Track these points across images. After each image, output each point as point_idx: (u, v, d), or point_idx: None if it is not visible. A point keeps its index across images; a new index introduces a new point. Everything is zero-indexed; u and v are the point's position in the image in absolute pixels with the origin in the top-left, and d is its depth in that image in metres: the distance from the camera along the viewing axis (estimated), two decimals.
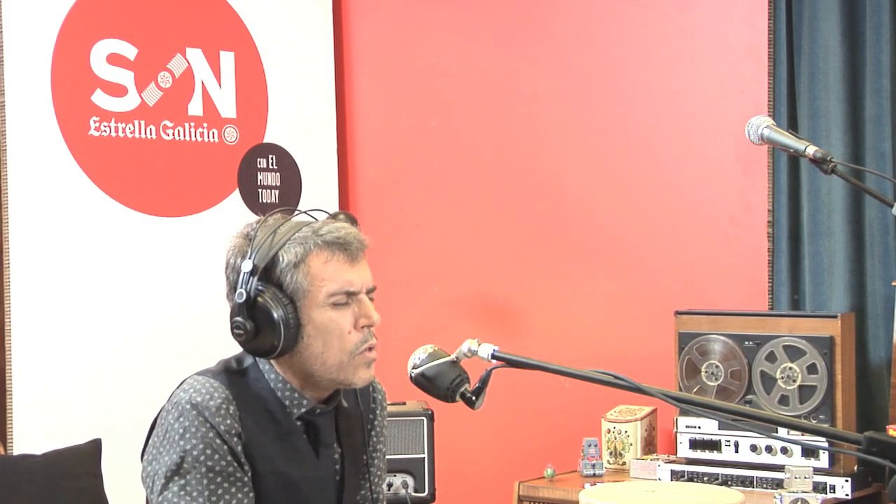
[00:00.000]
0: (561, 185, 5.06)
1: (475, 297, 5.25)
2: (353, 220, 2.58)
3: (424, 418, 4.19)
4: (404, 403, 4.27)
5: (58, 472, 3.97)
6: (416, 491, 4.12)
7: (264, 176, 5.31)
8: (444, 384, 2.24)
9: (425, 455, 4.16)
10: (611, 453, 4.57)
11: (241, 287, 2.41)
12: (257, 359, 2.48)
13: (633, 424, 4.56)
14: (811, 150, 2.84)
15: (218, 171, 5.15)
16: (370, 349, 2.46)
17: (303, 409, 2.48)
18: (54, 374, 4.60)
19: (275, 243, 2.42)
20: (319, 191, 5.43)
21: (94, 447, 4.08)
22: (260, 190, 5.28)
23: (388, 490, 4.09)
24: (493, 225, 5.23)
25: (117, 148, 4.83)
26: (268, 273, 2.41)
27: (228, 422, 2.39)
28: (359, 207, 5.54)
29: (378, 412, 2.69)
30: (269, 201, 5.25)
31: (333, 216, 2.56)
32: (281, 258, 2.41)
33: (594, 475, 4.48)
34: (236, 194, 5.19)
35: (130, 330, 4.81)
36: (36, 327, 4.57)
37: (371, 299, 2.48)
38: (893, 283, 4.15)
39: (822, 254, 4.35)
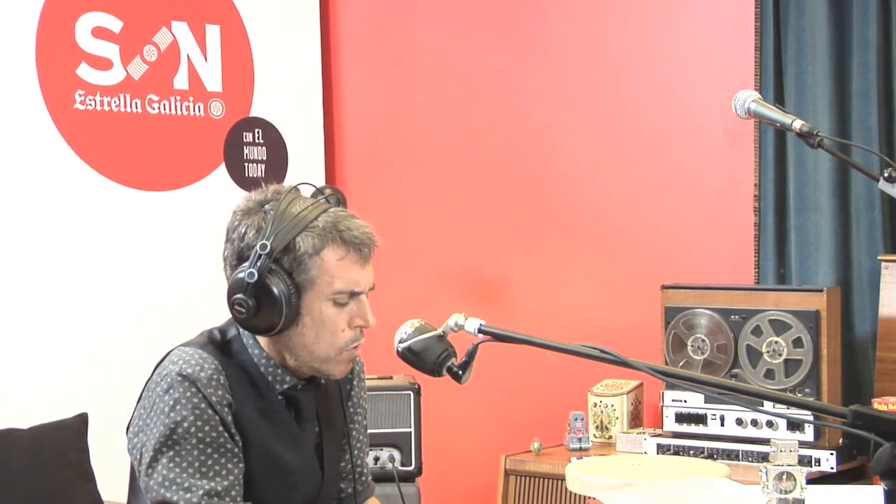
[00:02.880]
0: (548, 160, 5.06)
1: (462, 272, 5.25)
2: (340, 196, 2.58)
3: (411, 392, 4.19)
4: (391, 378, 4.28)
5: (44, 447, 3.97)
6: (402, 465, 4.13)
7: (250, 150, 5.30)
8: (430, 358, 2.24)
9: (412, 429, 4.17)
10: (597, 427, 4.58)
11: (252, 266, 2.38)
12: (242, 332, 2.48)
13: (620, 398, 4.57)
14: (798, 124, 2.84)
15: (204, 146, 5.14)
16: (356, 349, 2.48)
17: (285, 386, 2.49)
18: (41, 348, 4.60)
19: (293, 227, 2.40)
20: (306, 165, 5.42)
21: (81, 421, 4.08)
22: (246, 164, 5.27)
23: (375, 464, 4.10)
24: (480, 199, 5.22)
25: (102, 122, 4.81)
26: (281, 256, 2.40)
27: (220, 392, 2.39)
28: (345, 182, 5.53)
29: (356, 383, 2.70)
30: (255, 175, 5.24)
31: (325, 195, 2.55)
32: (298, 245, 2.39)
33: (580, 449, 4.49)
34: (222, 168, 5.18)
35: (116, 304, 4.80)
36: (21, 302, 4.56)
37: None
38: (879, 258, 4.16)
39: (809, 228, 4.35)
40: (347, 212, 2.50)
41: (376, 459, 4.09)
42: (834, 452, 3.94)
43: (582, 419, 4.55)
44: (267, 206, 2.44)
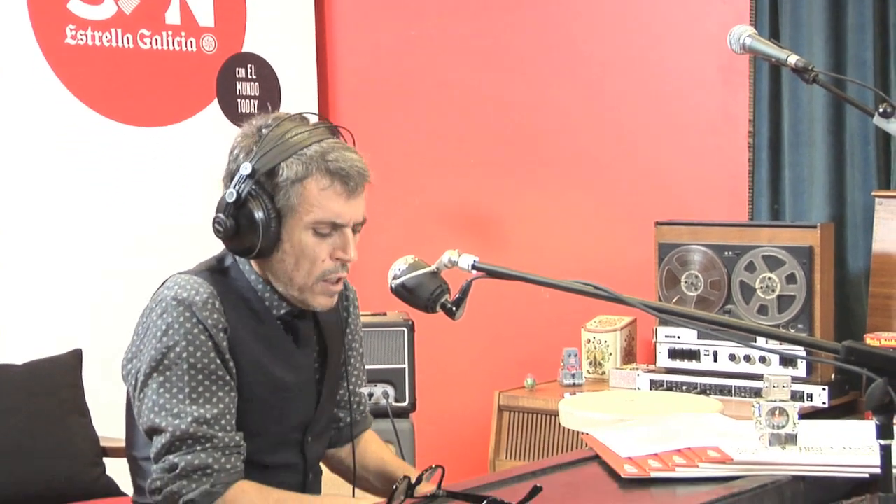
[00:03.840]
0: (542, 96, 5.04)
1: (455, 209, 5.25)
2: (335, 131, 2.57)
3: (405, 329, 4.20)
4: (385, 314, 4.28)
5: (38, 383, 3.97)
6: (396, 401, 4.14)
7: (243, 86, 5.27)
8: (424, 295, 2.24)
9: (406, 365, 4.18)
10: (590, 363, 4.60)
11: (234, 186, 2.39)
12: (238, 259, 2.49)
13: (613, 335, 4.58)
14: (793, 59, 2.83)
15: (196, 81, 5.11)
16: (336, 281, 2.47)
17: (282, 311, 2.49)
18: (35, 284, 4.60)
19: (281, 152, 2.40)
20: (299, 101, 5.39)
21: (75, 357, 4.09)
22: (239, 100, 5.24)
23: (370, 400, 4.11)
24: (474, 136, 5.21)
25: (94, 57, 4.78)
26: (265, 180, 2.40)
27: (216, 316, 2.39)
28: (339, 118, 5.51)
29: (351, 310, 2.71)
30: (248, 111, 5.21)
31: (335, 131, 2.53)
32: (281, 171, 2.39)
33: (574, 385, 4.51)
34: (215, 104, 5.16)
35: (109, 240, 4.80)
36: (15, 238, 4.55)
37: (356, 231, 2.48)
38: (873, 193, 4.16)
39: (803, 164, 4.35)
40: (343, 143, 2.49)
41: (370, 395, 4.11)
42: (826, 388, 3.95)
43: (575, 355, 4.57)
44: (264, 130, 2.44)
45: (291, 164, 2.40)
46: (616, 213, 4.86)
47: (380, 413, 4.04)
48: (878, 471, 1.80)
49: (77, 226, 4.72)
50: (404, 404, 4.16)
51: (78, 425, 3.99)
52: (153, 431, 2.39)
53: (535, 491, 1.91)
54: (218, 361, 2.39)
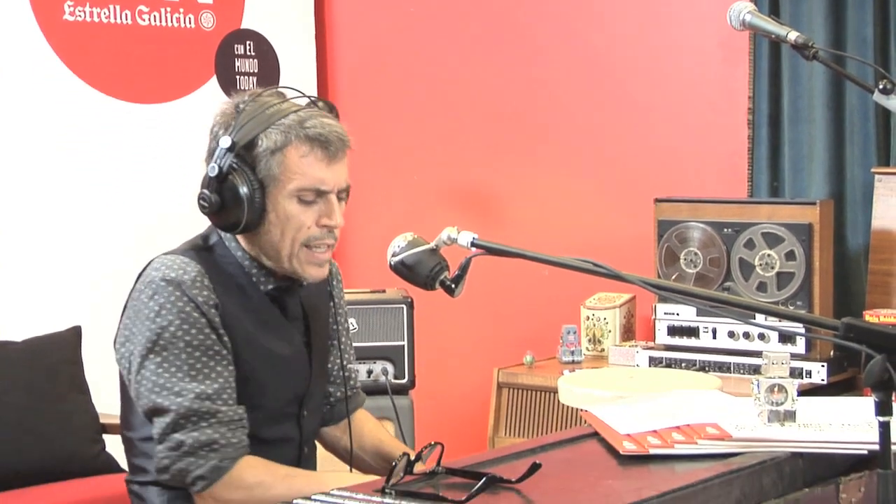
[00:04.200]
0: (541, 72, 5.03)
1: (455, 186, 5.24)
2: (331, 109, 2.57)
3: (404, 306, 4.20)
4: (384, 291, 4.28)
5: (38, 360, 3.98)
6: (395, 378, 4.15)
7: (242, 62, 5.26)
8: (423, 272, 2.24)
9: (405, 342, 4.18)
10: (589, 340, 4.60)
11: (216, 161, 2.41)
12: (223, 236, 2.50)
13: (612, 311, 4.58)
14: (793, 35, 2.82)
15: (195, 58, 5.10)
16: (325, 250, 2.47)
17: (269, 286, 2.50)
18: (35, 261, 4.60)
19: (259, 124, 2.41)
20: (297, 78, 5.37)
21: (75, 334, 4.09)
22: (237, 77, 5.23)
23: (369, 377, 4.11)
24: (473, 112, 5.20)
25: (93, 33, 4.77)
26: (245, 153, 2.41)
27: (206, 293, 2.40)
28: (337, 95, 5.50)
29: (335, 284, 2.72)
30: (246, 88, 5.19)
31: (315, 102, 2.54)
32: (260, 141, 2.41)
33: (573, 362, 4.52)
34: (213, 81, 5.15)
35: (108, 217, 4.79)
36: (13, 215, 4.55)
37: (342, 199, 2.49)
38: (873, 170, 4.16)
39: (802, 140, 4.34)
40: (322, 112, 2.49)
41: (370, 372, 4.11)
42: (825, 364, 3.96)
43: (574, 332, 4.57)
44: (241, 106, 2.45)
45: (270, 133, 2.41)
46: (615, 189, 4.85)
47: (379, 390, 4.05)
48: (876, 447, 1.80)
49: (76, 202, 4.71)
50: (403, 381, 4.16)
51: (77, 402, 4.00)
52: (155, 412, 2.39)
53: (535, 468, 1.92)
54: (213, 337, 2.40)
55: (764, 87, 4.40)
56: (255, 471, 2.38)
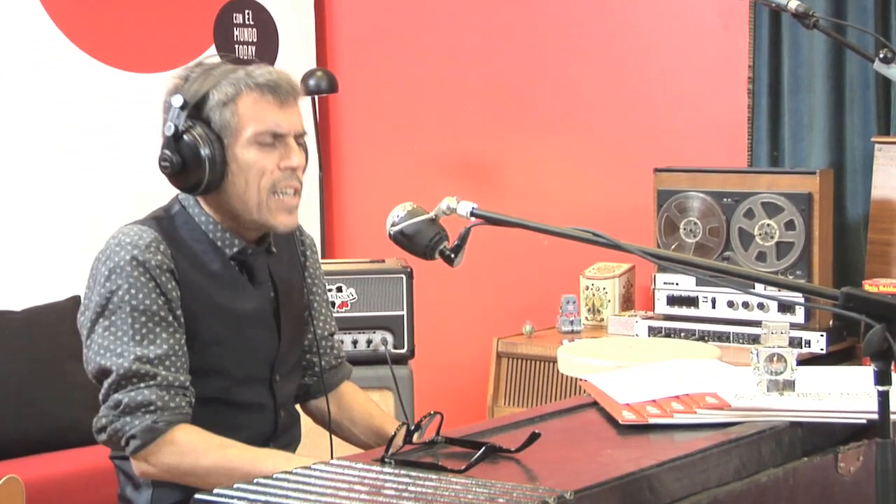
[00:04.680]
0: (540, 41, 5.01)
1: (454, 156, 5.23)
2: (330, 78, 2.58)
3: (403, 276, 4.19)
4: (383, 261, 4.28)
5: (38, 329, 3.99)
6: (395, 347, 4.15)
7: (240, 32, 5.24)
8: (423, 242, 2.24)
9: (404, 312, 4.18)
10: (589, 310, 4.61)
11: (171, 121, 2.44)
12: (185, 204, 2.53)
13: (612, 281, 4.58)
14: (793, 4, 2.82)
15: (193, 27, 5.08)
16: (293, 194, 2.49)
17: (235, 249, 2.51)
18: (33, 230, 4.59)
19: (208, 81, 2.45)
20: (296, 47, 5.36)
21: (74, 304, 4.09)
22: (236, 46, 5.22)
23: (368, 346, 4.12)
24: (472, 83, 5.18)
25: (90, 1, 4.75)
26: (198, 110, 2.45)
27: (159, 257, 2.43)
28: (337, 65, 5.48)
29: (308, 254, 2.74)
30: (245, 57, 5.19)
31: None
32: (211, 96, 2.45)
33: (572, 331, 4.52)
34: (212, 51, 5.12)
35: (106, 185, 4.78)
36: (12, 185, 4.54)
37: (300, 144, 2.51)
38: (873, 139, 4.15)
39: (802, 110, 4.33)
40: (267, 65, 2.54)
41: (369, 342, 4.11)
42: (824, 334, 3.96)
43: (574, 302, 4.57)
44: (188, 74, 2.50)
45: (220, 87, 2.45)
46: (615, 159, 4.84)
47: (378, 360, 4.05)
48: (875, 417, 1.80)
49: (72, 171, 4.70)
50: (403, 351, 4.17)
51: (77, 372, 3.98)
52: (100, 374, 2.42)
53: (534, 437, 1.92)
54: (160, 302, 2.42)
55: (764, 56, 4.39)
56: (189, 436, 2.39)
